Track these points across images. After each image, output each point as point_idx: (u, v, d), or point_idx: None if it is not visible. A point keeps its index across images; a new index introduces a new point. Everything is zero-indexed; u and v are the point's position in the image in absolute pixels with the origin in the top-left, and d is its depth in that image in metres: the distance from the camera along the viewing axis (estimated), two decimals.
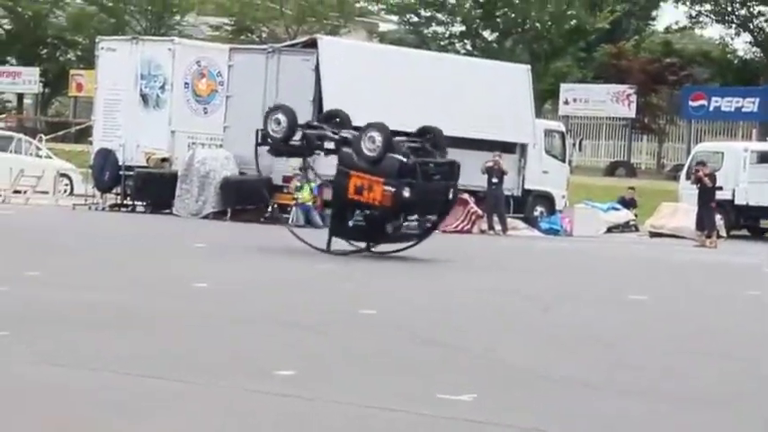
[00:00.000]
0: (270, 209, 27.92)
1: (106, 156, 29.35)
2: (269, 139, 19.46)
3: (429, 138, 19.25)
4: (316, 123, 19.88)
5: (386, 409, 7.27)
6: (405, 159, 18.16)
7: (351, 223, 18.48)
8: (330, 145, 19.24)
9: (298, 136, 19.41)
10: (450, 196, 18.99)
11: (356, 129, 19.33)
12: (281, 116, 19.32)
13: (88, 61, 48.06)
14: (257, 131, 19.84)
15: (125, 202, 29.61)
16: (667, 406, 7.93)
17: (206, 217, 27.00)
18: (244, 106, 27.53)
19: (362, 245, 18.77)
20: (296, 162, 26.52)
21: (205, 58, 30.22)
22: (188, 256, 18.13)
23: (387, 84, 27.73)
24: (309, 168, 26.18)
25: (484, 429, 6.92)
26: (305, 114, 26.76)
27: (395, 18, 57.42)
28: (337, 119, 19.87)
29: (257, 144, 19.94)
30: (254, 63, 27.75)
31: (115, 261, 16.47)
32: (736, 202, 32.71)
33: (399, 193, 17.98)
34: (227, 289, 13.46)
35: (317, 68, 26.75)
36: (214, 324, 10.56)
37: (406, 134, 19.73)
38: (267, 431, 6.75)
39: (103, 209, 29.41)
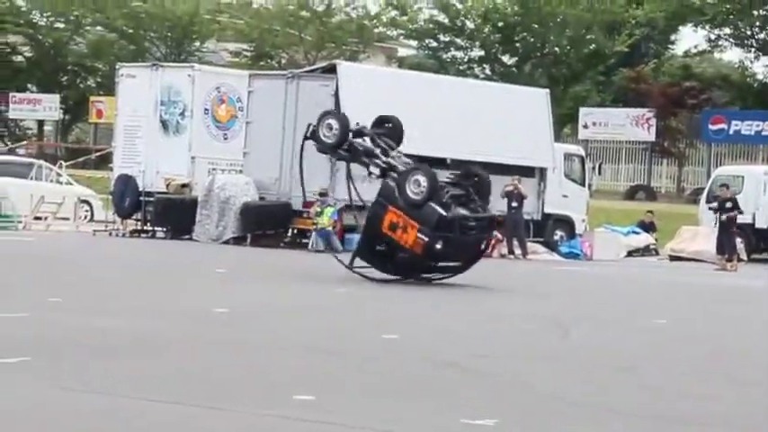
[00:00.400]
0: (289, 234, 27.99)
1: (126, 182, 29.46)
2: (319, 143, 19.42)
3: (474, 183, 18.94)
4: (367, 130, 19.49)
5: None
6: (444, 213, 17.94)
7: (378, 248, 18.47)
8: (375, 170, 18.93)
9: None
10: (483, 247, 18.86)
11: (403, 154, 19.21)
12: (333, 121, 19.25)
13: (108, 88, 48.28)
14: (308, 125, 19.73)
15: (145, 227, 29.68)
16: (687, 429, 7.89)
17: (226, 242, 27.05)
18: (263, 132, 27.62)
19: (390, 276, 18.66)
20: (316, 187, 26.62)
21: (225, 84, 30.34)
22: (208, 281, 18.16)
23: (406, 108, 27.65)
24: (330, 194, 26.25)
25: None
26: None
27: (414, 43, 57.55)
28: (389, 124, 19.60)
29: (305, 138, 19.72)
30: (273, 89, 27.84)
31: (136, 287, 16.51)
32: (757, 225, 32.61)
33: (432, 245, 17.91)
34: (248, 314, 13.47)
35: (336, 93, 26.81)
36: (233, 349, 10.56)
37: (450, 174, 19.68)
38: None
39: (124, 235, 29.49)
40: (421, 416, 7.86)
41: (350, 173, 20.29)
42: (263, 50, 56.00)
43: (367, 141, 19.21)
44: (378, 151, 18.99)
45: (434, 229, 17.91)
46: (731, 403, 9.03)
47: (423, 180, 18.06)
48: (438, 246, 17.89)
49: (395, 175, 18.49)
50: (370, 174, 19.28)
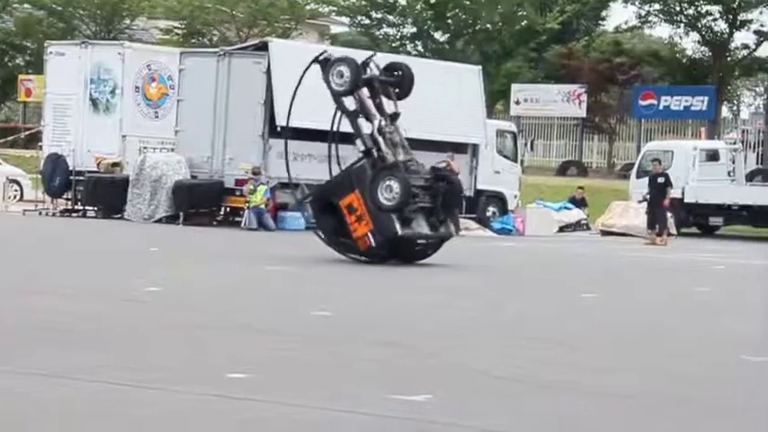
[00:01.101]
0: (222, 212, 27.89)
1: (56, 161, 29.18)
2: (328, 86, 18.83)
3: (445, 188, 18.65)
4: (382, 77, 18.97)
5: (337, 410, 7.29)
6: (400, 232, 17.79)
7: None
8: (361, 146, 18.57)
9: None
10: (430, 252, 18.73)
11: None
12: (344, 69, 18.79)
13: (37, 66, 47.69)
14: (322, 52, 19.47)
15: (76, 207, 29.43)
16: (619, 404, 8.00)
17: (158, 221, 26.90)
18: (195, 110, 27.47)
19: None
20: (248, 165, 26.55)
21: (155, 61, 30.11)
22: (140, 260, 18.05)
23: None
24: (262, 172, 26.19)
25: (436, 429, 6.95)
26: (256, 118, 26.85)
27: (346, 20, 57.43)
28: (398, 72, 19.25)
29: (313, 61, 19.44)
30: (205, 66, 27.68)
31: (67, 267, 16.37)
32: (686, 200, 32.97)
33: (376, 252, 18.03)
34: (180, 293, 13.42)
35: (268, 71, 26.71)
36: (166, 328, 10.53)
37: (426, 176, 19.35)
38: None
39: (54, 214, 29.23)
40: (352, 392, 7.89)
41: (287, 151, 20.25)
42: (194, 28, 55.58)
43: (369, 105, 18.72)
44: (375, 121, 18.57)
45: (385, 240, 17.96)
46: (661, 379, 9.16)
47: (396, 188, 17.83)
48: (382, 253, 18.05)
49: (375, 155, 18.18)
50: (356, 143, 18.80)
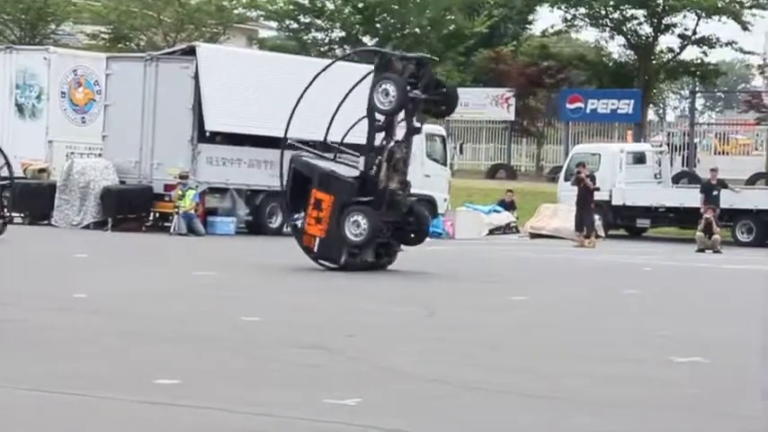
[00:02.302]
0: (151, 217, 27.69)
1: None
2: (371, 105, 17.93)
3: (413, 218, 18.49)
4: (426, 97, 18.05)
5: (269, 415, 7.26)
6: (342, 261, 17.67)
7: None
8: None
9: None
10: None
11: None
12: (390, 87, 17.86)
13: None
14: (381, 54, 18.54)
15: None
16: (547, 405, 8.06)
17: (87, 227, 26.63)
18: (123, 115, 27.24)
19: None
20: (176, 170, 26.39)
21: (82, 66, 29.84)
22: (68, 266, 17.86)
23: (269, 90, 27.66)
24: (190, 176, 26.04)
25: None
26: (184, 123, 26.69)
27: (274, 24, 57.28)
28: (443, 89, 18.70)
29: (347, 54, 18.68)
30: (132, 71, 27.46)
31: None
32: (614, 202, 33.28)
33: (314, 257, 17.98)
34: (108, 299, 13.29)
35: (196, 76, 26.58)
36: (94, 335, 10.43)
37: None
38: None
39: None
40: (283, 397, 7.87)
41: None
42: (121, 33, 55.09)
43: (395, 124, 18.07)
44: (390, 143, 18.07)
45: (326, 257, 17.92)
46: (589, 379, 9.23)
47: (363, 225, 17.61)
48: (316, 260, 18.01)
49: (370, 176, 17.88)
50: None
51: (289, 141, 19.19)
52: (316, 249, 17.97)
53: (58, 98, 29.18)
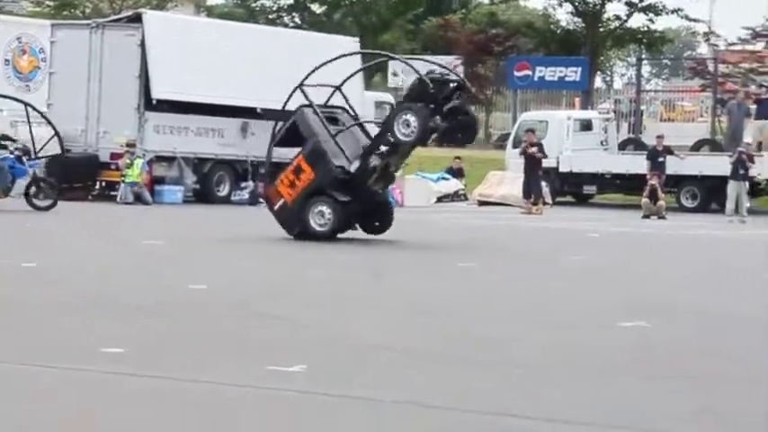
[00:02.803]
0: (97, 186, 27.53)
1: None
2: (386, 140, 17.42)
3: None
4: (447, 126, 17.71)
5: (213, 382, 7.28)
6: (294, 233, 17.55)
7: None
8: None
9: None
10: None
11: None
12: (411, 118, 17.24)
13: None
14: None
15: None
16: (499, 372, 8.13)
17: None
18: (68, 83, 27.03)
19: None
20: (123, 138, 26.25)
21: (26, 34, 29.57)
22: (15, 236, 17.74)
23: (215, 58, 27.56)
24: (137, 144, 25.89)
25: (311, 399, 7.00)
26: (130, 91, 26.52)
27: None
28: (465, 114, 18.27)
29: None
30: (77, 39, 27.23)
31: None
32: (561, 169, 33.45)
33: (273, 212, 17.77)
34: (55, 269, 13.24)
35: (142, 43, 26.41)
36: (41, 305, 10.39)
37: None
38: (91, 409, 6.69)
39: None
40: (228, 364, 7.90)
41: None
42: (66, 0, 54.55)
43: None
44: (391, 160, 17.85)
45: (281, 219, 17.71)
46: (534, 345, 9.32)
47: (327, 214, 17.36)
48: (272, 214, 17.74)
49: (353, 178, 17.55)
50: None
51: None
52: (275, 208, 17.73)
53: (2, 66, 28.93)
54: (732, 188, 27.36)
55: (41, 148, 23.87)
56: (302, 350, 8.57)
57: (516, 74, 48.89)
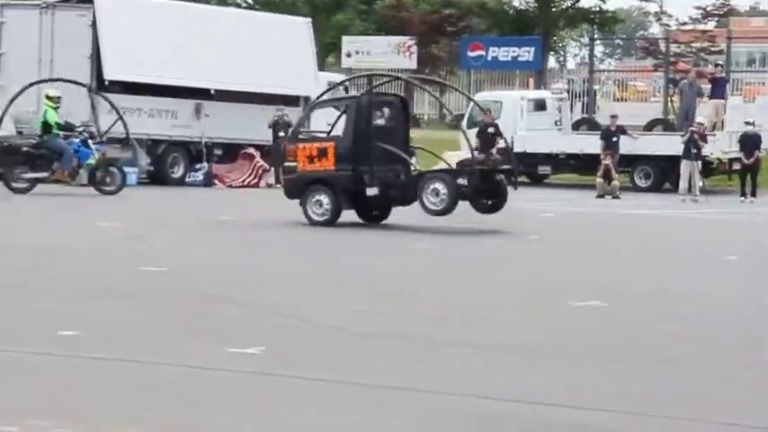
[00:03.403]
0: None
1: None
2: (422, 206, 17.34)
3: None
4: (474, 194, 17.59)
5: (170, 364, 7.26)
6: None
7: None
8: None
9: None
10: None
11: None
12: (440, 187, 17.21)
13: None
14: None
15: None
16: (454, 353, 8.16)
17: None
18: (19, 64, 26.72)
19: None
20: (77, 121, 26.00)
21: None
22: None
23: (168, 38, 27.36)
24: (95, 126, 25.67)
25: (269, 381, 7.00)
26: (82, 71, 26.26)
27: None
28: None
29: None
30: (27, 19, 26.92)
31: None
32: (515, 149, 33.48)
33: (285, 168, 18.17)
34: (11, 251, 13.12)
35: (93, 24, 26.17)
36: None
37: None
38: (48, 391, 6.66)
39: None
40: (186, 347, 7.88)
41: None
42: None
43: None
44: None
45: (286, 187, 18.02)
46: (485, 325, 9.36)
47: (326, 204, 17.43)
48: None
49: None
50: None
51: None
52: (284, 174, 18.23)
53: None
54: (685, 167, 27.54)
55: (106, 131, 23.82)
56: (260, 332, 8.56)
57: (470, 54, 48.91)
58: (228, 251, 14.25)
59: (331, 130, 18.95)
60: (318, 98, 18.67)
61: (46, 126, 23.16)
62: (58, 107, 23.31)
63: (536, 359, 7.93)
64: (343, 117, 18.31)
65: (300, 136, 18.86)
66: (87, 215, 18.51)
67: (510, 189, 18.11)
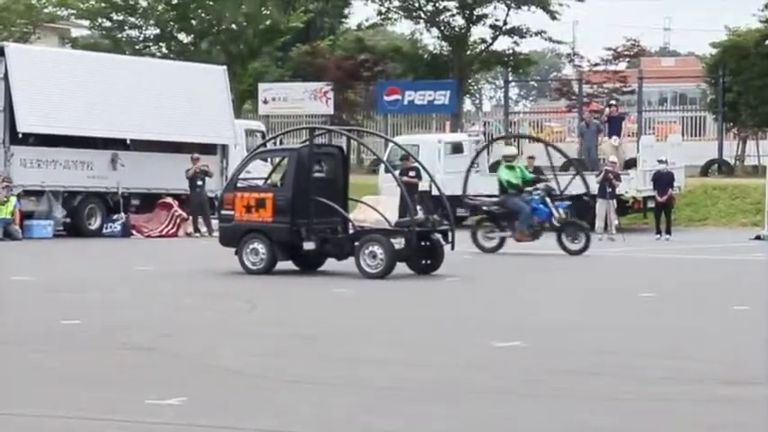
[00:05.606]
0: None
1: None
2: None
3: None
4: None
5: (85, 417, 7.17)
6: None
7: None
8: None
9: None
10: None
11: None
12: (377, 249, 17.11)
13: None
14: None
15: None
16: (378, 395, 8.17)
17: None
18: None
19: None
20: None
21: None
22: None
23: (82, 90, 27.21)
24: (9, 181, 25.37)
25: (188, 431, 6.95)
26: None
27: (86, 23, 56.25)
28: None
29: None
30: None
31: None
32: (434, 192, 33.66)
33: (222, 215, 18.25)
34: None
35: (5, 77, 25.95)
36: None
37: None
38: None
39: None
40: (101, 398, 7.78)
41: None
42: None
43: None
44: None
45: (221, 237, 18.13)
46: (405, 366, 9.38)
47: (262, 253, 17.50)
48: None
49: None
50: None
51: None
52: (220, 222, 18.45)
53: None
54: (600, 206, 27.86)
55: (565, 188, 23.89)
56: (179, 382, 8.50)
57: (386, 98, 49.18)
58: (144, 299, 14.13)
59: (268, 178, 18.93)
60: (258, 147, 18.70)
61: None
62: None
63: (451, 397, 7.95)
64: (282, 167, 18.35)
65: (238, 185, 18.76)
66: (0, 269, 18.26)
67: (447, 249, 18.03)
